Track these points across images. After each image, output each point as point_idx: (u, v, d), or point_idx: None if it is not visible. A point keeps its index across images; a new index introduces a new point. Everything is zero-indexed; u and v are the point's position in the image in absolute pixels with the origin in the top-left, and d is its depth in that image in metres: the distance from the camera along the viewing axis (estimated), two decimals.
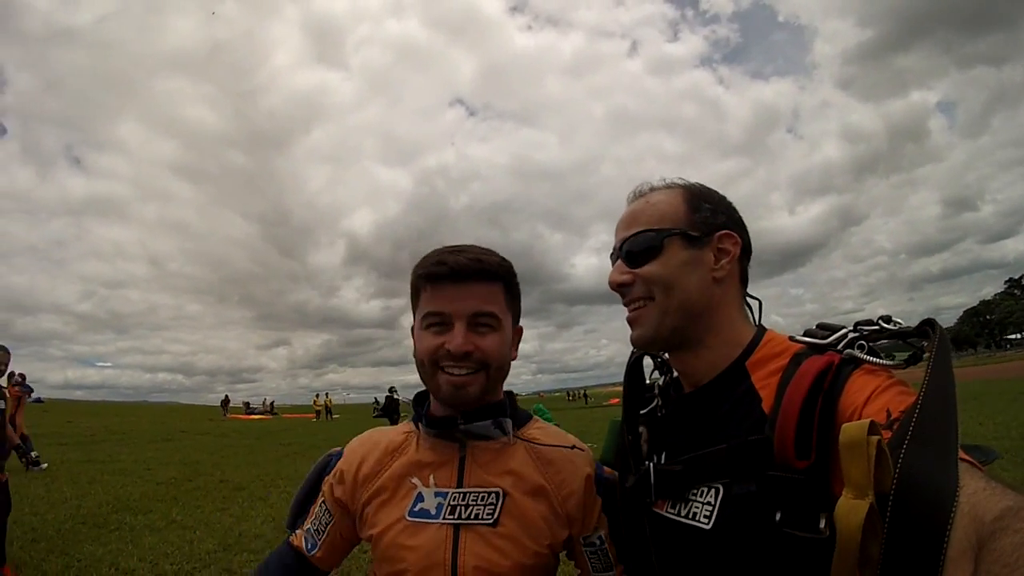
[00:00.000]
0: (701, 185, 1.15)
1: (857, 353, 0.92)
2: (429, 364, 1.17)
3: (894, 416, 0.77)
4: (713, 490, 0.96)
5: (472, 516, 1.16)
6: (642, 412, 1.22)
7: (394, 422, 20.66)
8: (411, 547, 1.15)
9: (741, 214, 1.14)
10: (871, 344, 0.93)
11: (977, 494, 0.65)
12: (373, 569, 1.27)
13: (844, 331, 0.97)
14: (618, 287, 1.11)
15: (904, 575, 0.66)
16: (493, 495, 1.17)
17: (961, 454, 0.70)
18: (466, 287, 1.15)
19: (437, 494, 1.18)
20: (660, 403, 1.19)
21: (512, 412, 1.27)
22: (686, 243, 1.07)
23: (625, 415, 1.25)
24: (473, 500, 1.17)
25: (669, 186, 1.15)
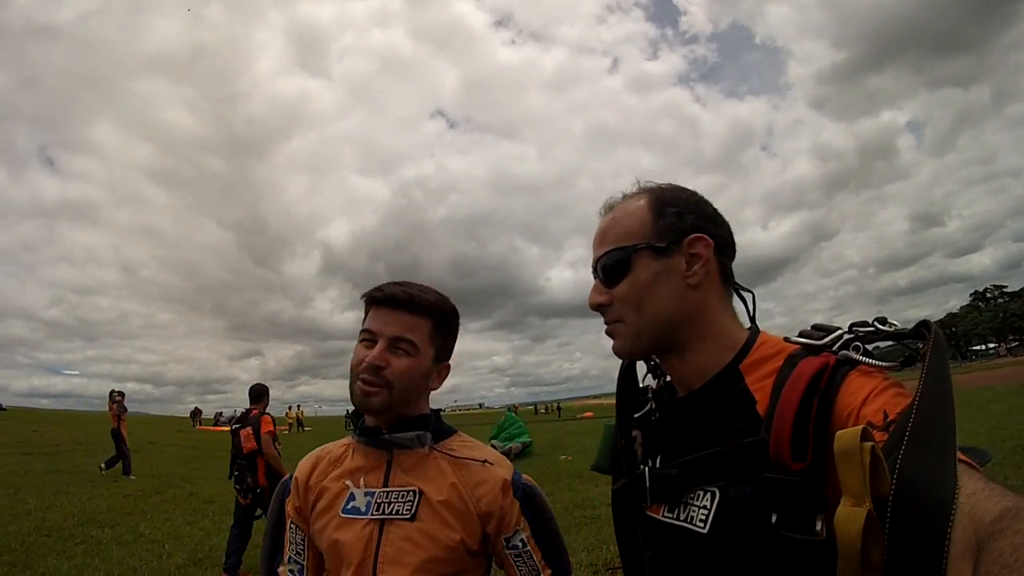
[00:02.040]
0: (669, 187, 1.12)
1: (853, 354, 0.90)
2: (354, 372, 1.37)
3: (891, 418, 0.77)
4: (709, 494, 0.95)
5: (394, 512, 1.34)
6: (636, 416, 1.19)
7: None
8: (342, 540, 1.35)
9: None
10: (866, 345, 0.92)
11: (976, 495, 0.64)
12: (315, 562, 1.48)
13: (839, 332, 0.95)
14: (596, 307, 1.10)
15: None
16: (411, 493, 1.36)
17: (959, 455, 0.69)
18: (395, 313, 1.38)
19: (367, 494, 1.37)
20: (654, 406, 1.17)
21: (435, 428, 1.46)
22: (654, 255, 1.03)
23: (618, 419, 1.22)
24: (395, 498, 1.36)
25: (637, 194, 1.12)
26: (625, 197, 1.13)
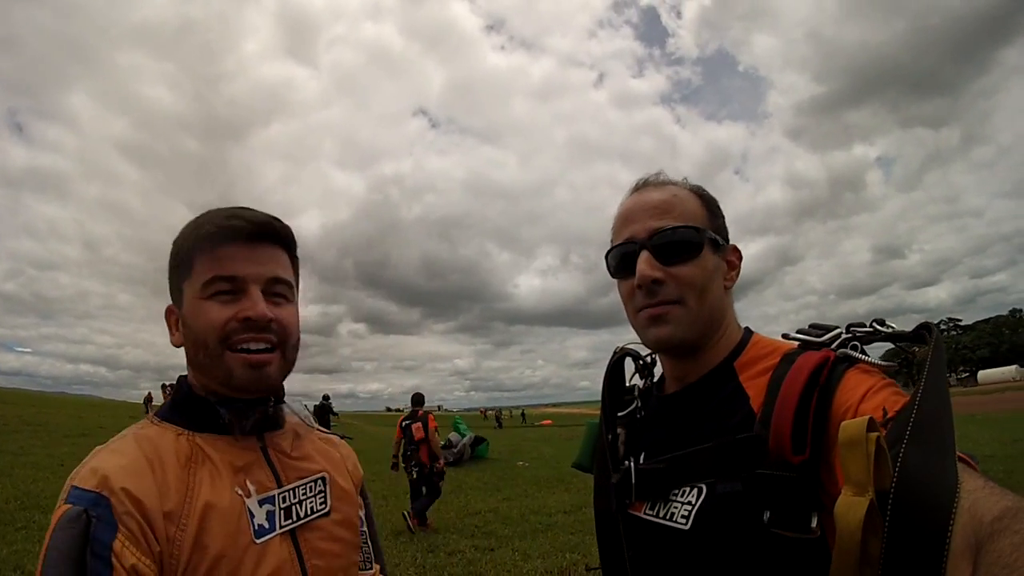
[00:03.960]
0: (705, 190, 1.10)
1: (852, 352, 0.90)
2: (216, 343, 0.96)
3: (890, 415, 0.76)
4: (695, 490, 0.93)
5: (308, 512, 1.01)
6: (620, 414, 1.17)
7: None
8: (269, 573, 0.92)
9: None
10: (864, 346, 0.92)
11: (976, 493, 0.64)
12: None
13: (838, 331, 0.94)
14: (649, 283, 1.00)
15: (906, 574, 0.64)
16: (320, 481, 1.06)
17: (958, 454, 0.70)
18: (261, 249, 1.01)
19: (262, 502, 0.96)
20: (639, 405, 1.16)
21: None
22: (713, 248, 1.03)
23: (603, 415, 1.19)
24: (303, 494, 1.02)
25: (680, 184, 1.09)
26: (667, 181, 1.10)
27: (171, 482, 0.89)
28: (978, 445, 12.48)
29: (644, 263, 1.00)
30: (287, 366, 1.04)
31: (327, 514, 1.05)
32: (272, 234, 1.02)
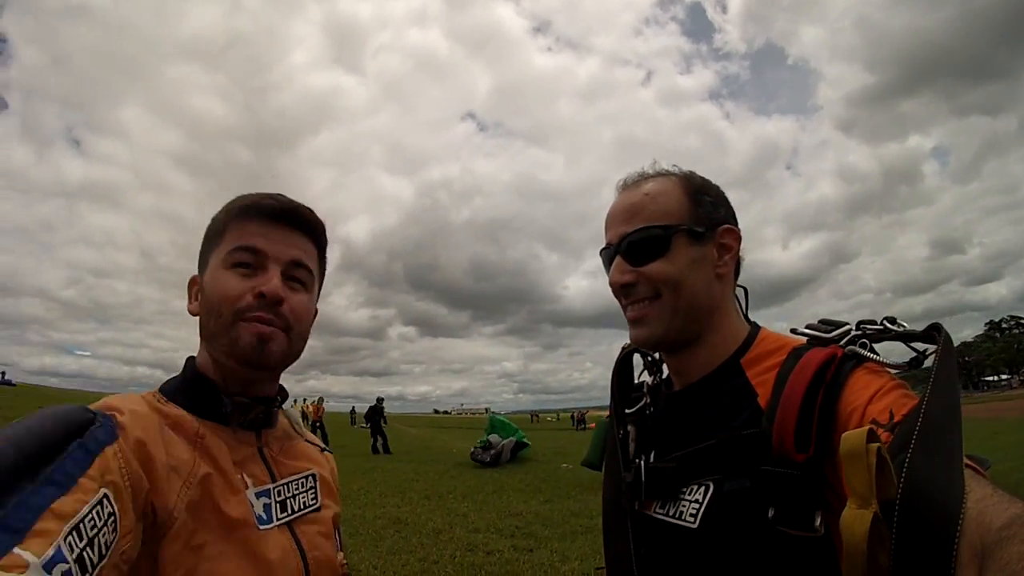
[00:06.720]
0: (697, 175, 1.09)
1: (860, 351, 0.89)
2: (229, 313, 0.95)
3: (897, 419, 0.75)
4: (703, 487, 0.93)
5: (301, 507, 1.03)
6: (628, 412, 1.17)
7: (378, 431, 20.54)
8: (273, 561, 0.91)
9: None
10: (873, 344, 0.91)
11: (984, 500, 0.64)
12: None
13: (847, 327, 0.94)
14: (621, 287, 1.05)
15: None
16: (310, 478, 1.09)
17: (965, 460, 0.69)
18: (288, 232, 1.02)
19: (259, 494, 0.96)
20: (649, 402, 1.15)
21: None
22: (691, 240, 1.02)
23: (612, 413, 1.20)
24: (296, 489, 1.04)
25: (664, 174, 1.08)
26: (649, 176, 1.09)
27: (180, 447, 0.87)
28: None
29: (614, 269, 1.05)
30: (291, 353, 1.02)
31: (318, 509, 1.07)
32: (300, 220, 1.03)
